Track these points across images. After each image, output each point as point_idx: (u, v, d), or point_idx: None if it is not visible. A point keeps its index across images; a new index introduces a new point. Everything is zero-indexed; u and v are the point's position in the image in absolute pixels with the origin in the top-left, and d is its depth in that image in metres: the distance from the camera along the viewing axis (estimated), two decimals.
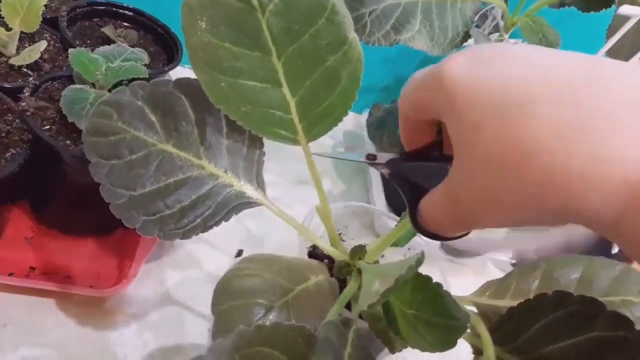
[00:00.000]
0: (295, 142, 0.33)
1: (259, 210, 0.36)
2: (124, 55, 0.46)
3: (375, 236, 0.55)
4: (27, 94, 0.42)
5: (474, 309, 0.36)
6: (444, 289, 0.28)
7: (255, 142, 0.35)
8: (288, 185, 0.65)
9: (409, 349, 0.30)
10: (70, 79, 0.45)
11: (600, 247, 0.59)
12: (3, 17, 0.45)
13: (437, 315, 0.27)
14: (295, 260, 0.35)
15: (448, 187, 0.23)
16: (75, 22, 0.56)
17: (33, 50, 0.45)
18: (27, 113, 0.40)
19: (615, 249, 0.60)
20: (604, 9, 0.61)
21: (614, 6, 0.61)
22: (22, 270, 0.44)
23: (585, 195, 0.18)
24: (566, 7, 0.62)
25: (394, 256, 0.47)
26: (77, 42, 0.51)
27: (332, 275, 0.36)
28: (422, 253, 0.25)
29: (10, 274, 0.43)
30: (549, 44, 0.60)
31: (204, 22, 0.27)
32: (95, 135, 0.31)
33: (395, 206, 0.64)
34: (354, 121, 0.85)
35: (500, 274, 0.38)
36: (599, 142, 0.18)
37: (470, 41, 0.57)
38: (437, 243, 0.61)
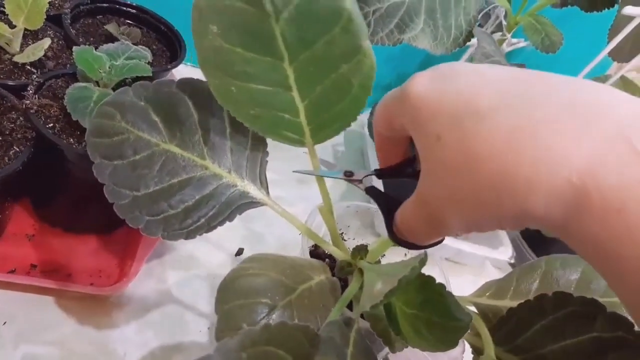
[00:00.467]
0: (302, 144, 0.33)
1: (259, 209, 0.36)
2: (128, 53, 0.46)
3: (376, 235, 0.56)
4: (30, 91, 0.42)
5: (474, 309, 0.36)
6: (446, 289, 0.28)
7: (259, 143, 0.35)
8: (290, 183, 0.66)
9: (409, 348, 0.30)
10: (73, 77, 0.45)
11: None
12: (7, 15, 0.44)
13: (439, 316, 0.28)
14: (298, 260, 0.35)
15: (418, 193, 0.25)
16: (78, 19, 0.56)
17: (37, 48, 0.45)
18: (31, 111, 0.41)
19: None
20: (606, 9, 0.61)
21: (616, 6, 0.61)
22: (24, 267, 0.44)
23: (533, 198, 0.19)
24: (569, 6, 0.62)
25: (394, 256, 0.48)
26: (81, 40, 0.51)
27: (333, 275, 0.36)
28: (425, 254, 0.25)
29: (12, 272, 0.43)
30: (552, 43, 0.60)
31: (215, 26, 0.27)
32: (98, 135, 0.31)
33: None
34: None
35: (498, 274, 0.39)
36: (544, 148, 0.19)
37: (474, 40, 0.57)
38: None
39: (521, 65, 0.63)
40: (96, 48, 0.44)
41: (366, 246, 0.37)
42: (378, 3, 0.48)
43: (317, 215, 0.41)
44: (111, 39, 0.54)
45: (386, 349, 0.33)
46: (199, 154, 0.33)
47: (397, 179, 0.30)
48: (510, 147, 0.19)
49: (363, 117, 0.84)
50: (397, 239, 0.27)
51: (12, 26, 0.45)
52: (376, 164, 0.31)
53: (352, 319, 0.30)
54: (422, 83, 0.23)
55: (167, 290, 0.49)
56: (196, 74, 0.32)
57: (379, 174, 0.31)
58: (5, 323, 0.41)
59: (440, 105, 0.22)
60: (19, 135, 0.40)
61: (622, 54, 0.65)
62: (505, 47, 0.67)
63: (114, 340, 0.43)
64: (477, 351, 0.33)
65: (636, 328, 0.26)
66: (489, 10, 0.66)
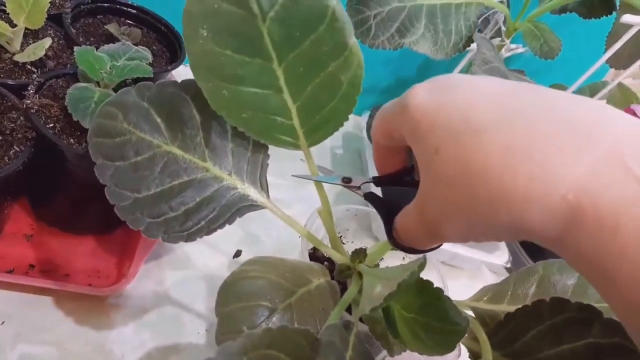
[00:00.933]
0: (296, 147, 0.33)
1: (258, 211, 0.36)
2: (129, 53, 0.46)
3: (374, 238, 0.56)
4: (31, 91, 0.42)
5: (472, 314, 0.36)
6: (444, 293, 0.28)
7: (260, 146, 0.35)
8: (287, 184, 0.66)
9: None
10: (74, 77, 0.45)
11: None
12: (8, 14, 0.44)
13: (437, 320, 0.28)
14: (298, 263, 0.35)
15: (417, 203, 0.25)
16: (79, 19, 0.56)
17: (38, 47, 0.45)
18: (31, 110, 0.40)
19: None
20: (605, 16, 0.62)
21: (615, 13, 0.61)
22: (22, 267, 0.44)
23: (529, 213, 0.19)
24: (568, 12, 0.63)
25: (393, 259, 0.48)
26: (81, 40, 0.51)
27: (332, 278, 0.37)
28: (425, 258, 0.26)
29: (10, 271, 0.43)
30: (551, 49, 0.61)
31: (205, 29, 0.27)
32: (100, 136, 0.31)
33: None
34: (353, 123, 0.86)
35: (494, 278, 0.39)
36: (540, 165, 0.19)
37: (473, 45, 0.57)
38: None
39: (520, 72, 0.63)
40: (97, 48, 0.44)
41: (365, 249, 0.37)
42: (379, 7, 0.48)
43: (316, 218, 0.41)
44: (111, 39, 0.54)
45: (384, 352, 0.33)
46: (200, 156, 0.33)
47: (394, 187, 0.30)
48: (506, 163, 0.19)
49: (361, 120, 0.84)
50: (397, 244, 0.28)
51: (12, 25, 0.45)
52: (374, 168, 0.32)
53: (351, 322, 0.31)
54: (420, 95, 0.24)
55: (164, 291, 0.49)
56: None
57: (377, 181, 0.31)
58: (3, 323, 0.40)
59: (438, 118, 0.22)
60: (19, 135, 0.40)
61: (620, 61, 0.65)
62: (504, 53, 0.68)
63: (112, 341, 0.43)
64: (475, 355, 0.33)
65: None
66: (488, 15, 0.67)
